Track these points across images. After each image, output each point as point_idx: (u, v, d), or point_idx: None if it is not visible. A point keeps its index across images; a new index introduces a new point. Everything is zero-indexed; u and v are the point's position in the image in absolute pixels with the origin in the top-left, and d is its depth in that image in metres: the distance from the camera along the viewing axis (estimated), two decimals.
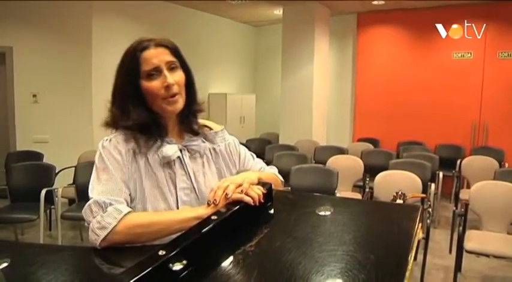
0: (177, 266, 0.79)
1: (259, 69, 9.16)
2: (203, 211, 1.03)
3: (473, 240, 3.28)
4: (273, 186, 1.17)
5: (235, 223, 1.02)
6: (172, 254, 0.79)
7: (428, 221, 3.55)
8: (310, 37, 6.64)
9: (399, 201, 3.51)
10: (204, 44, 7.55)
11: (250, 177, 1.14)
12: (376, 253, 0.85)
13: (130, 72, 1.16)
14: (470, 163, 5.20)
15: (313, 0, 6.42)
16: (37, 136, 5.49)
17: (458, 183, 5.15)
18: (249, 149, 5.32)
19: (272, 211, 1.13)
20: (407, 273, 0.77)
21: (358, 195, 4.73)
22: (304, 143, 6.46)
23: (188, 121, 1.27)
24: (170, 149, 1.19)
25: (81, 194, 4.05)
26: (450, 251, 3.93)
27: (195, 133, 1.29)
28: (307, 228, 1.03)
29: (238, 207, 1.02)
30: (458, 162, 5.48)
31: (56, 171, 4.31)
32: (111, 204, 1.06)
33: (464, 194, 4.65)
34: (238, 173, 1.33)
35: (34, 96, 5.51)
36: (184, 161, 1.23)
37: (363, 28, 7.29)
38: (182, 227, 0.98)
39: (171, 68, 1.17)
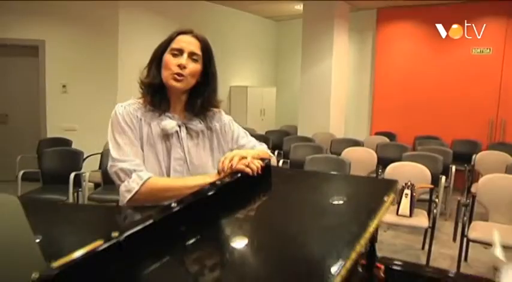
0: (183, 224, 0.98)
1: (280, 63, 9.31)
2: (210, 180, 1.23)
3: (478, 230, 3.40)
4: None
5: (238, 190, 1.22)
6: (179, 208, 0.98)
7: (435, 211, 3.68)
8: (330, 32, 6.76)
9: (407, 191, 3.66)
10: (226, 38, 7.76)
11: (252, 152, 1.35)
12: (347, 215, 1.04)
13: (164, 45, 1.42)
14: (484, 158, 5.26)
15: None
16: (66, 124, 5.79)
17: (471, 177, 5.22)
18: (268, 140, 5.48)
19: (270, 182, 1.33)
20: (367, 232, 0.95)
21: None
22: (321, 135, 6.60)
23: (195, 107, 1.46)
24: (169, 124, 1.40)
25: (107, 179, 4.32)
26: (454, 240, 4.03)
27: (196, 114, 1.47)
28: (297, 196, 1.22)
29: (239, 175, 1.22)
30: (474, 157, 5.54)
31: (84, 157, 4.60)
32: (134, 170, 1.30)
33: (475, 188, 4.73)
34: (231, 150, 1.50)
35: (64, 86, 5.82)
36: (180, 136, 1.43)
37: (383, 24, 7.36)
38: (192, 190, 1.17)
39: (193, 59, 1.40)
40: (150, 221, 0.90)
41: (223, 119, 1.56)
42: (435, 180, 4.27)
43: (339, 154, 5.03)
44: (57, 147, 4.76)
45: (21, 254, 0.96)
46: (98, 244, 0.78)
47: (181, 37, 1.41)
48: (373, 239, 1.21)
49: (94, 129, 5.75)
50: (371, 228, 0.97)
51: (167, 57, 1.39)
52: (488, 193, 3.67)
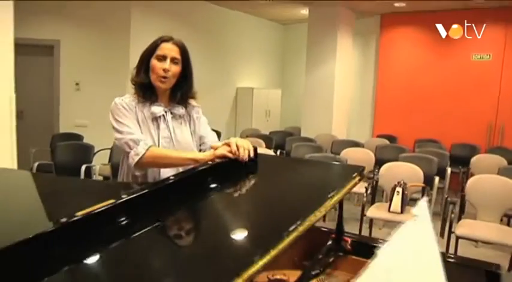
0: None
1: (286, 65, 9.53)
2: (200, 156, 1.55)
3: (465, 226, 3.59)
4: None
5: (231, 170, 1.45)
6: (177, 179, 1.20)
7: None
8: (334, 37, 6.97)
9: (398, 189, 3.86)
10: (234, 41, 8.00)
11: (246, 142, 1.58)
12: (316, 189, 1.25)
13: (150, 51, 1.72)
14: (480, 160, 5.44)
15: (337, 1, 6.73)
16: (78, 121, 6.06)
17: (465, 178, 5.38)
18: (271, 140, 5.75)
19: (256, 166, 1.55)
20: (329, 202, 1.16)
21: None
22: (323, 136, 6.80)
23: (176, 98, 1.79)
24: (157, 109, 1.74)
25: (116, 172, 4.56)
26: (442, 235, 4.19)
27: (177, 103, 1.80)
28: (278, 176, 1.44)
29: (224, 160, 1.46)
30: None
31: (94, 151, 4.85)
32: (141, 139, 1.63)
33: None
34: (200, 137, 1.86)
35: (77, 84, 6.09)
36: (166, 119, 1.77)
37: (386, 29, 7.55)
38: (185, 163, 1.53)
39: (174, 62, 1.71)
40: (149, 189, 1.13)
41: (200, 114, 1.90)
42: (429, 181, 4.45)
43: (339, 154, 5.23)
44: (69, 141, 5.02)
45: (30, 214, 1.18)
46: (110, 202, 1.01)
47: (164, 45, 1.71)
48: (341, 216, 1.43)
49: (104, 126, 5.95)
50: (333, 200, 1.19)
51: (154, 62, 1.70)
52: (476, 192, 3.85)
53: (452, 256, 1.45)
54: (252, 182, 1.41)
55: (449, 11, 6.81)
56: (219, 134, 6.61)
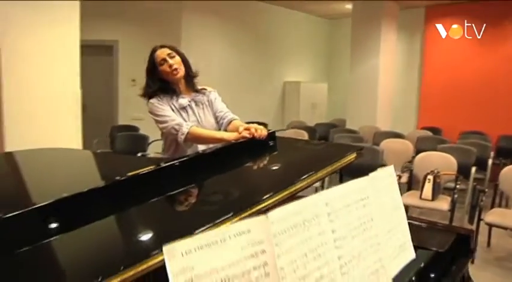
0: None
1: (332, 59, 9.68)
2: (226, 136, 1.92)
3: (495, 214, 3.69)
4: None
5: (252, 149, 1.77)
6: (206, 152, 1.54)
7: (455, 196, 3.99)
8: (378, 31, 7.06)
9: (429, 177, 4.01)
10: (281, 37, 8.31)
11: (262, 127, 1.90)
12: (320, 159, 1.55)
13: (152, 64, 2.17)
14: None
15: None
16: (135, 114, 6.59)
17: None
18: (316, 131, 6.09)
19: (275, 146, 1.87)
20: (325, 169, 1.45)
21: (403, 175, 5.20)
22: (366, 128, 6.94)
23: (190, 83, 2.24)
24: (183, 100, 2.20)
25: None
26: (470, 222, 4.26)
27: (197, 91, 2.26)
28: (293, 152, 1.75)
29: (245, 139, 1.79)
30: None
31: (149, 141, 5.33)
32: (183, 123, 2.05)
33: None
34: (216, 116, 2.27)
35: (133, 80, 6.61)
36: (192, 107, 2.23)
37: (431, 21, 7.53)
38: (215, 142, 1.92)
39: (171, 57, 2.15)
40: (184, 159, 1.47)
41: (217, 95, 2.34)
42: (464, 171, 4.53)
43: (378, 145, 5.39)
44: (127, 132, 5.55)
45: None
46: (152, 166, 1.35)
47: (156, 53, 2.17)
48: None
49: None
50: (330, 168, 1.48)
51: (161, 68, 2.14)
52: (510, 182, 3.92)
53: (425, 220, 1.69)
54: (271, 156, 1.73)
55: (495, 1, 6.71)
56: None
